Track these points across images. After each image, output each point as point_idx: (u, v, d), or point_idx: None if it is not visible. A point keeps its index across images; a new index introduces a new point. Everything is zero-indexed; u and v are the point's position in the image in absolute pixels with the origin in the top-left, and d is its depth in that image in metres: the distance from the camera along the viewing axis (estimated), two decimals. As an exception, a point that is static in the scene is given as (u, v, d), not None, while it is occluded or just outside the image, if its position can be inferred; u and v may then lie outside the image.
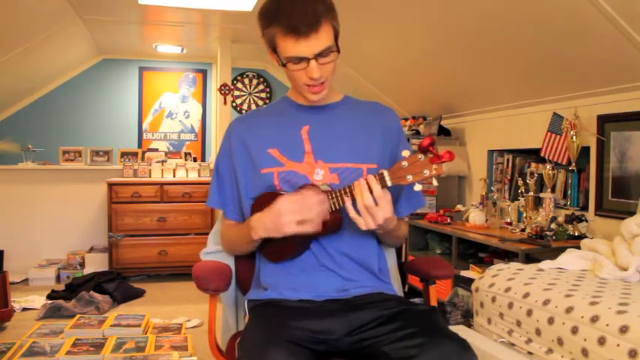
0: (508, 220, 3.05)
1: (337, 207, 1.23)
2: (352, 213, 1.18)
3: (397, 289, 1.46)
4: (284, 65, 1.26)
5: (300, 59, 1.23)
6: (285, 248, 1.31)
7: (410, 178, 1.13)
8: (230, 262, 1.53)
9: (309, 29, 1.19)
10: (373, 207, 1.15)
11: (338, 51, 1.26)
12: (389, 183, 1.15)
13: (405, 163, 1.13)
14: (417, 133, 3.90)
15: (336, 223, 1.27)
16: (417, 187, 1.14)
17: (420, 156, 1.12)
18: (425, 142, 1.10)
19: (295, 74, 1.27)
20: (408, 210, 1.41)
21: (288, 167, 1.34)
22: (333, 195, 1.23)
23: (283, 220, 1.20)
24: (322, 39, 1.21)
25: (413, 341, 1.10)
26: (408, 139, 3.67)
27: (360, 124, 1.40)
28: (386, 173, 1.16)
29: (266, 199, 1.32)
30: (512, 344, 1.87)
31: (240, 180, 1.41)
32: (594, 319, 1.56)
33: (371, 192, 1.15)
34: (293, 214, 1.20)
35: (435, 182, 1.16)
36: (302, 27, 1.18)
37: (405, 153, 1.15)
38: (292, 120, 1.39)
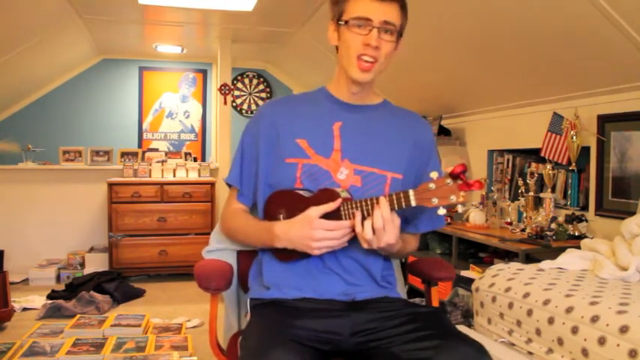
0: (508, 220, 3.05)
1: (350, 217, 1.22)
2: (358, 228, 1.18)
3: (400, 291, 1.45)
4: (346, 23, 1.25)
5: (365, 20, 1.23)
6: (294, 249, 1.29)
7: (435, 201, 1.11)
8: (232, 260, 1.52)
9: None
10: (381, 229, 1.15)
11: (400, 35, 1.27)
12: (413, 203, 1.14)
13: (432, 185, 1.11)
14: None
15: None
16: (441, 212, 1.12)
17: (449, 181, 1.10)
18: (457, 169, 1.08)
19: (353, 37, 1.25)
20: (428, 228, 1.38)
21: (314, 161, 1.31)
22: (350, 206, 1.21)
23: (313, 245, 1.21)
24: (394, 12, 1.24)
25: (427, 343, 1.09)
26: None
27: (393, 132, 1.36)
28: (411, 193, 1.14)
29: (283, 198, 1.31)
30: (513, 344, 1.87)
31: (260, 165, 1.37)
32: (594, 319, 1.56)
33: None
34: (327, 241, 1.21)
35: (460, 209, 1.15)
36: None
37: (434, 175, 1.11)
38: (326, 113, 1.35)
